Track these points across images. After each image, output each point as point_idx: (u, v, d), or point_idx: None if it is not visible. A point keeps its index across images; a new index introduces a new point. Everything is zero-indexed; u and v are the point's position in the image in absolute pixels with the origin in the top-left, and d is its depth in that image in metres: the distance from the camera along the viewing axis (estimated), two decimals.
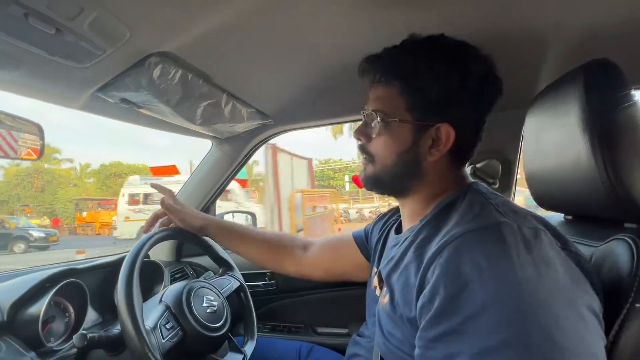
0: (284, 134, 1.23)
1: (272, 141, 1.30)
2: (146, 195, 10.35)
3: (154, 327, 0.64)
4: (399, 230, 0.64)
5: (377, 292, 0.59)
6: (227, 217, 1.58)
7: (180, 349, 0.67)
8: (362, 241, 0.80)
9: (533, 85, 0.91)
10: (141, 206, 10.29)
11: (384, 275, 0.55)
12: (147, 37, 0.61)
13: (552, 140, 0.58)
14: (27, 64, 0.59)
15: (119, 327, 0.62)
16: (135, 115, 0.87)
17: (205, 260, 1.22)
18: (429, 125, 0.51)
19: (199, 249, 0.92)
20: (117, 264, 0.86)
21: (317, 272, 0.85)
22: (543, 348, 0.34)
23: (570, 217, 0.66)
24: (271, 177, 6.83)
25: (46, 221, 17.90)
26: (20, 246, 11.08)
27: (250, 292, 0.94)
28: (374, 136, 0.55)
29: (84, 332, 0.62)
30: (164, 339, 0.64)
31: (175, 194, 0.89)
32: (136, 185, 10.75)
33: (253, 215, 1.63)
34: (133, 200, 10.59)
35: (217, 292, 0.81)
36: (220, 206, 1.40)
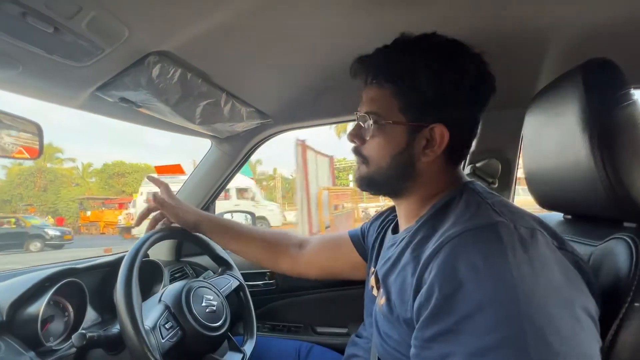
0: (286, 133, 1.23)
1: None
2: None
3: (154, 327, 0.64)
4: (395, 230, 0.63)
5: (375, 292, 0.58)
6: (227, 217, 1.57)
7: (179, 348, 0.67)
8: (359, 240, 0.79)
9: (533, 84, 0.90)
10: None
11: (380, 276, 0.55)
12: (146, 36, 0.61)
13: (551, 139, 0.57)
14: (25, 63, 0.59)
15: (118, 326, 0.62)
16: (134, 114, 0.87)
17: (204, 260, 1.22)
18: (422, 126, 0.51)
19: (199, 249, 0.91)
20: (116, 263, 0.86)
21: (313, 271, 0.84)
22: (538, 348, 0.34)
23: (569, 217, 0.66)
24: (301, 174, 6.60)
25: (50, 221, 17.95)
26: (36, 245, 11.15)
27: (250, 291, 0.94)
28: (367, 138, 0.54)
29: (83, 331, 0.62)
30: (163, 338, 0.64)
31: (175, 193, 0.89)
32: None
33: (252, 214, 1.63)
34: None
35: (216, 291, 0.81)
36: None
